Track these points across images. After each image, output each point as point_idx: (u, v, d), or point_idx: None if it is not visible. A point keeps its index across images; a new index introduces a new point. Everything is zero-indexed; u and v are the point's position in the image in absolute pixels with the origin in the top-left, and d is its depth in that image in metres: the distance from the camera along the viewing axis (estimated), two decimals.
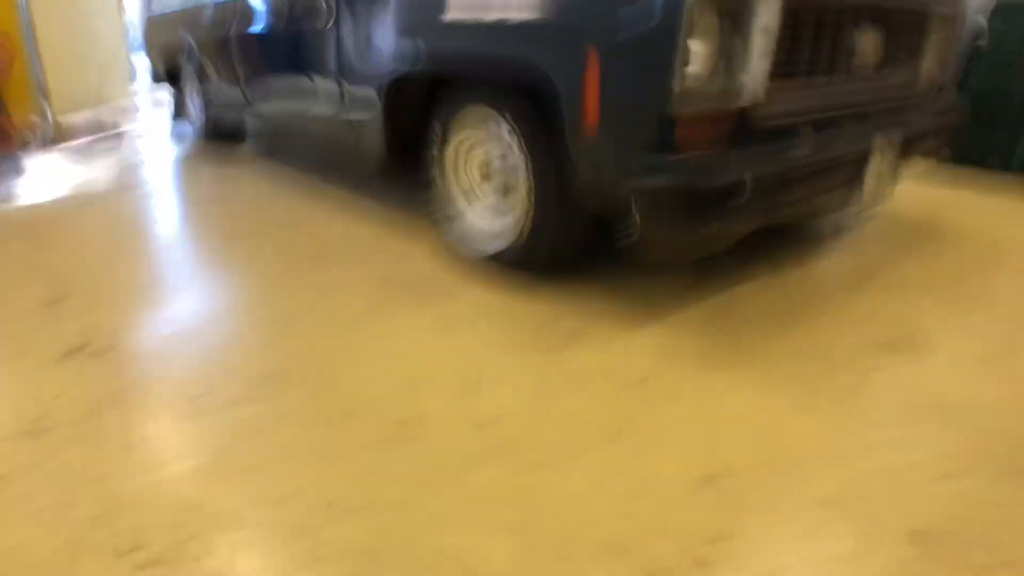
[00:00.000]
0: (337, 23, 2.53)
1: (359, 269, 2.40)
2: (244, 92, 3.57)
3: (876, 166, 2.01)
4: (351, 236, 2.77)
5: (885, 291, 2.18)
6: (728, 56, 1.62)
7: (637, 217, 1.65)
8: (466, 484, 1.33)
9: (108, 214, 3.36)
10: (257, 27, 3.29)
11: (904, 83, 2.29)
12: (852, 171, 1.96)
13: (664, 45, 1.53)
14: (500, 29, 1.88)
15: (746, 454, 1.40)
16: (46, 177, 4.12)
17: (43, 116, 5.19)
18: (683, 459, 1.38)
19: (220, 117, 4.27)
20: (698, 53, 1.56)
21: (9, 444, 1.53)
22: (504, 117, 2.02)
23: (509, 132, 2.00)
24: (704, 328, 1.90)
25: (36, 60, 5.23)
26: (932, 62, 2.38)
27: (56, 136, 4.82)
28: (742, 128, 1.73)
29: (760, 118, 1.72)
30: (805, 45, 1.79)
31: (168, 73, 4.73)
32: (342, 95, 2.61)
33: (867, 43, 1.98)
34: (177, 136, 4.97)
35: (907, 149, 2.16)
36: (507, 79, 1.99)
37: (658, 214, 1.64)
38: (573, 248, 2.10)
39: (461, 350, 1.83)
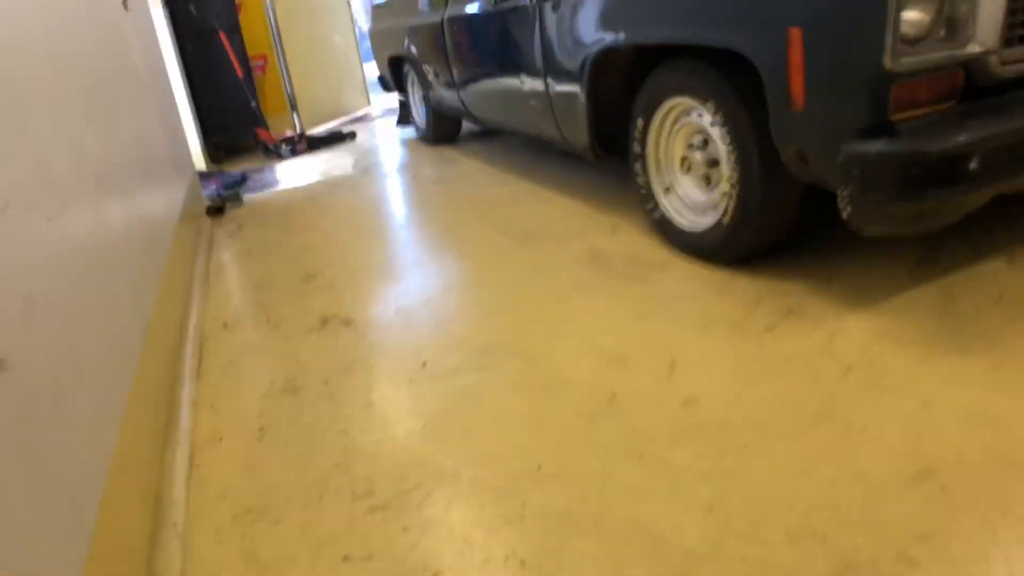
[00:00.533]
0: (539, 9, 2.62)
1: (569, 248, 2.49)
2: (458, 87, 3.81)
3: None
4: (562, 215, 2.87)
5: None
6: None
7: (852, 189, 1.55)
8: (666, 460, 1.37)
9: (347, 204, 3.78)
10: (465, 22, 3.50)
11: None
12: None
13: None
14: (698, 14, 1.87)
15: (972, 451, 1.29)
16: (297, 176, 4.71)
17: (293, 126, 5.96)
18: (896, 451, 1.31)
19: (441, 118, 4.61)
20: None
21: (273, 399, 1.82)
22: (705, 101, 1.99)
23: (712, 113, 1.97)
24: (927, 312, 1.75)
25: (286, 77, 6.01)
26: None
27: (304, 142, 5.49)
28: (973, 81, 1.54)
29: (995, 68, 1.52)
30: None
31: (395, 81, 5.18)
32: (547, 73, 2.70)
33: None
34: (404, 138, 5.42)
35: None
36: (708, 63, 1.96)
37: (875, 185, 1.50)
38: (780, 229, 2.02)
39: (666, 329, 1.85)
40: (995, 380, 1.47)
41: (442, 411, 1.65)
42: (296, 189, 4.29)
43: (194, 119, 5.34)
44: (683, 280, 2.10)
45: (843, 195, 1.58)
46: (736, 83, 1.87)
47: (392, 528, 1.29)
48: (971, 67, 1.53)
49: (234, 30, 5.61)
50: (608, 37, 2.27)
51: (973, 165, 1.43)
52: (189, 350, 2.13)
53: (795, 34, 1.58)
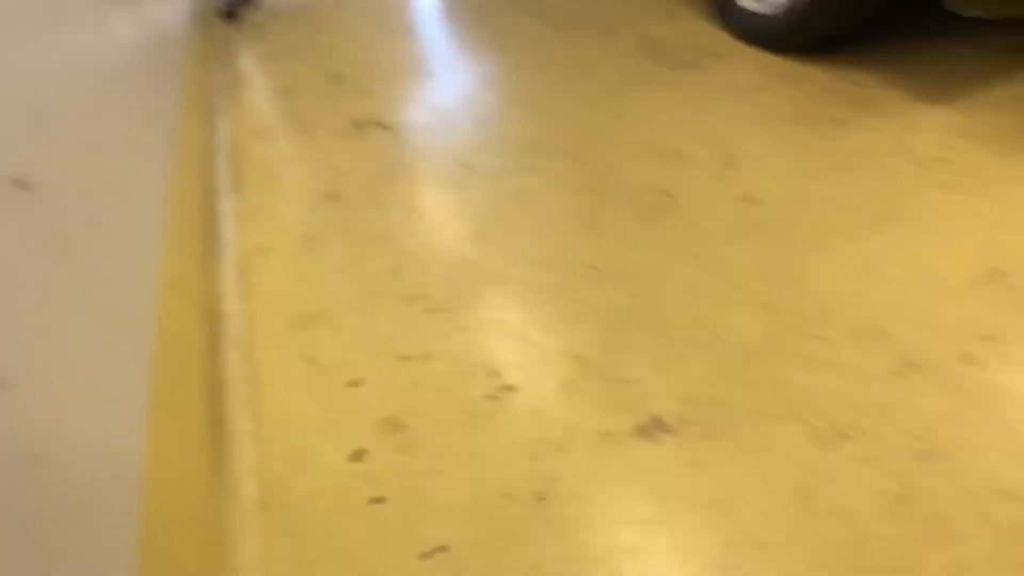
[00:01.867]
0: None
1: (619, 37, 2.30)
2: None
3: None
4: (612, 1, 2.62)
5: None
6: None
7: None
8: (723, 258, 1.34)
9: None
10: None
11: None
12: None
13: None
14: None
15: None
16: None
17: None
18: (964, 251, 1.26)
19: None
20: None
21: (315, 208, 1.79)
22: None
23: None
24: (1010, 107, 1.62)
25: None
26: None
27: None
28: None
29: None
30: None
31: None
32: None
33: None
34: None
35: None
36: None
37: None
38: (861, 13, 1.82)
39: (724, 124, 1.74)
40: None
41: (489, 214, 1.61)
42: None
43: None
44: (746, 70, 1.94)
45: None
46: None
47: (448, 328, 1.30)
48: None
49: None
50: None
51: None
52: (222, 162, 2.08)
53: None
